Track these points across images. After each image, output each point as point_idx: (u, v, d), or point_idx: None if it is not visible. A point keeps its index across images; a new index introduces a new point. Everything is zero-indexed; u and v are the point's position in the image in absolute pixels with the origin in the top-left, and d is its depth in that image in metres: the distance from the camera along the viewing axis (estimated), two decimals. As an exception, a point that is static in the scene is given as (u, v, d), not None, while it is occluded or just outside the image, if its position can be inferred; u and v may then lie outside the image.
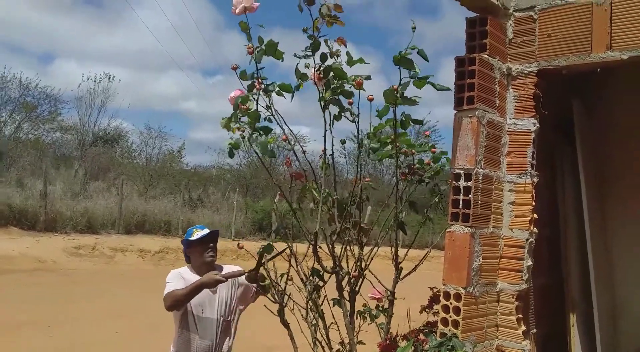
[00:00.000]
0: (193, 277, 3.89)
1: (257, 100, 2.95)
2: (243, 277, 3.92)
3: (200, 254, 3.99)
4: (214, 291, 3.95)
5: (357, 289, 3.25)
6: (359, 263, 3.23)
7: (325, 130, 3.06)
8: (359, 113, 2.93)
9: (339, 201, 3.20)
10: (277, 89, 3.02)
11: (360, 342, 3.30)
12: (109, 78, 29.64)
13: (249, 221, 23.31)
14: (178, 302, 3.78)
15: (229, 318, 4.04)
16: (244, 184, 27.97)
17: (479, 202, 2.58)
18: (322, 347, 3.23)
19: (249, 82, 2.97)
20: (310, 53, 2.92)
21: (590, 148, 3.26)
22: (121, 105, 59.54)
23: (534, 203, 2.70)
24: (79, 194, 20.66)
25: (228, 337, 4.07)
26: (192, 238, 3.98)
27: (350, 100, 3.01)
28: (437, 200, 3.38)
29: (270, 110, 3.02)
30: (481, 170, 2.60)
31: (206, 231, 4.03)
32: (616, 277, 3.40)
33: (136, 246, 17.27)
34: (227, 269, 4.06)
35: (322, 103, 3.04)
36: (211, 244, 4.02)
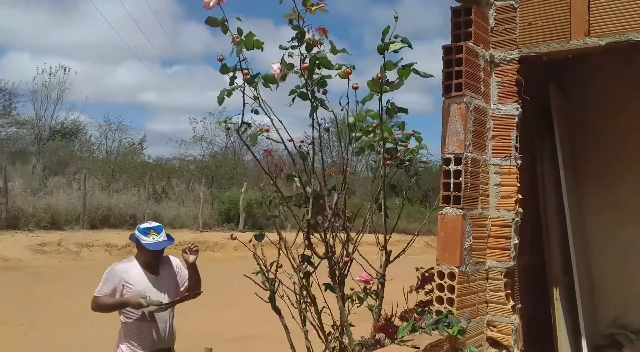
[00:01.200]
0: (136, 270, 3.95)
1: (243, 91, 2.96)
2: (180, 268, 4.16)
3: (148, 256, 3.96)
4: (157, 273, 4.00)
5: (345, 273, 3.34)
6: (347, 248, 3.30)
7: (313, 120, 3.10)
8: (348, 102, 2.98)
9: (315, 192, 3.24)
10: (261, 80, 3.04)
11: (350, 325, 3.39)
12: (65, 70, 28.82)
13: (215, 212, 23.19)
14: (102, 310, 3.96)
15: (175, 298, 4.07)
16: (208, 175, 27.75)
17: (469, 184, 2.70)
18: (316, 330, 3.31)
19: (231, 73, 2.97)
20: (297, 43, 2.95)
21: (567, 132, 3.41)
22: (78, 98, 57.92)
23: (518, 184, 2.83)
24: (39, 190, 20.17)
25: (173, 316, 4.12)
26: (146, 242, 3.89)
27: (325, 90, 3.05)
28: (414, 181, 3.47)
29: (257, 101, 3.05)
30: (470, 154, 2.71)
31: (162, 237, 3.98)
32: (592, 255, 3.58)
33: (102, 241, 16.99)
34: (173, 261, 4.18)
35: (307, 91, 3.06)
36: (158, 255, 4.00)
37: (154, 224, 4.09)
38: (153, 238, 3.92)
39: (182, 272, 4.15)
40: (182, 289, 4.14)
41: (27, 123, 28.21)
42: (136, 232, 3.98)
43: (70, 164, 25.70)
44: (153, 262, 3.98)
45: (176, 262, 4.21)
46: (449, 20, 2.84)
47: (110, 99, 57.73)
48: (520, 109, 2.85)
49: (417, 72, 2.78)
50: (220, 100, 2.80)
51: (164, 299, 3.95)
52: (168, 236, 4.09)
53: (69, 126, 30.03)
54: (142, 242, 3.89)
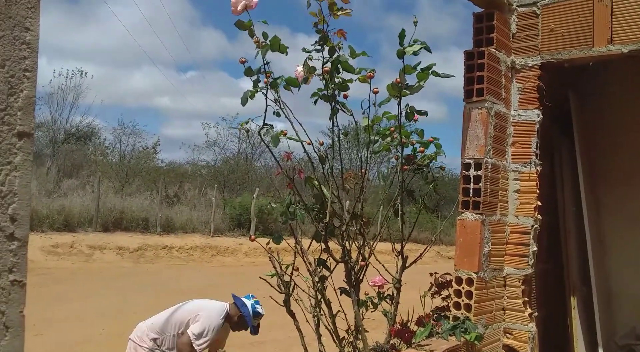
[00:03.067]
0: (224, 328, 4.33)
1: (266, 94, 3.00)
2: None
3: (239, 327, 4.42)
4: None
5: (360, 278, 3.34)
6: (362, 252, 3.31)
7: (333, 123, 3.12)
8: (369, 105, 3.00)
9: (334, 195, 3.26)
10: (285, 83, 3.07)
11: (364, 330, 3.39)
12: (81, 74, 29.09)
13: (227, 217, 23.25)
14: None
15: None
16: (221, 181, 27.85)
17: (488, 190, 2.70)
18: (331, 334, 3.31)
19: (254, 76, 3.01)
20: (319, 47, 2.98)
21: (585, 139, 3.40)
22: (94, 101, 58.54)
23: (538, 191, 2.83)
24: (53, 192, 20.35)
25: None
26: (251, 319, 4.31)
27: (346, 94, 3.07)
28: (432, 187, 3.47)
29: (278, 104, 3.07)
30: (490, 159, 2.71)
31: (257, 327, 4.43)
32: (610, 262, 3.56)
33: (114, 244, 17.10)
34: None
35: (329, 94, 3.09)
36: (243, 329, 4.46)
37: (262, 311, 4.50)
38: (256, 323, 4.38)
39: None
40: None
41: (43, 126, 28.46)
42: (250, 307, 4.36)
43: (84, 166, 25.90)
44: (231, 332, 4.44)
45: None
46: (463, 29, 2.89)
47: (125, 103, 58.19)
48: (541, 116, 2.85)
49: (437, 74, 2.79)
50: (244, 102, 2.83)
51: None
52: (259, 326, 4.52)
53: (84, 129, 30.25)
54: (249, 322, 4.34)
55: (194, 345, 4.11)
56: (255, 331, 4.40)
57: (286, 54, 2.99)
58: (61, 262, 15.16)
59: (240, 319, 4.37)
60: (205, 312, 4.28)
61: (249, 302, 4.33)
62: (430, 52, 2.75)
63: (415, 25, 2.90)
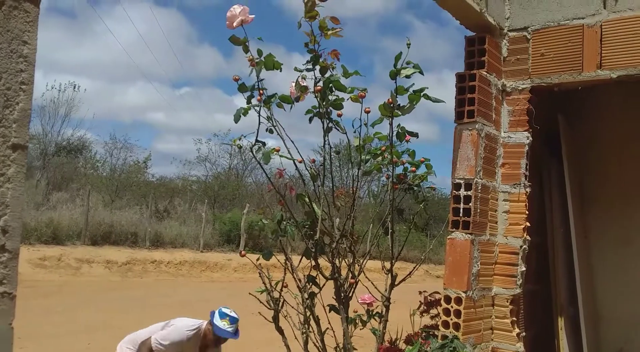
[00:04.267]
0: (192, 343, 4.24)
1: (259, 111, 3.02)
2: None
3: (211, 341, 4.29)
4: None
5: (350, 295, 3.34)
6: (352, 270, 3.31)
7: (325, 141, 3.14)
8: (361, 124, 3.03)
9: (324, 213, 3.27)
10: (278, 100, 3.09)
11: (353, 348, 3.38)
12: (74, 88, 29.09)
13: (216, 232, 23.16)
14: None
15: None
16: (211, 196, 27.78)
17: (478, 210, 2.72)
18: (319, 351, 3.30)
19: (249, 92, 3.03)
20: (311, 66, 3.01)
21: (574, 161, 3.44)
22: (86, 115, 58.38)
23: (527, 212, 2.85)
24: (42, 204, 20.20)
25: None
26: (217, 324, 4.20)
27: (340, 112, 3.10)
28: (422, 206, 3.49)
29: (271, 121, 3.09)
30: (480, 180, 2.73)
31: (233, 330, 4.27)
32: (597, 284, 3.58)
33: (103, 257, 16.97)
34: None
35: (317, 113, 3.12)
36: (222, 343, 4.36)
37: (234, 315, 4.38)
38: (224, 325, 4.24)
39: None
40: None
41: (34, 138, 28.31)
42: (217, 312, 4.30)
43: (74, 180, 25.75)
44: (211, 345, 4.30)
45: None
46: (456, 52, 2.92)
47: (118, 118, 58.12)
48: (531, 138, 2.89)
49: (428, 97, 2.83)
50: (237, 119, 2.85)
51: None
52: (237, 331, 4.36)
53: (75, 143, 30.13)
54: (214, 322, 4.23)
55: (152, 345, 4.13)
56: (234, 334, 4.32)
57: (280, 70, 3.02)
58: (48, 275, 15.01)
59: (209, 323, 4.32)
60: (176, 323, 4.32)
61: (216, 312, 4.31)
62: (422, 74, 2.78)
63: (409, 47, 2.94)
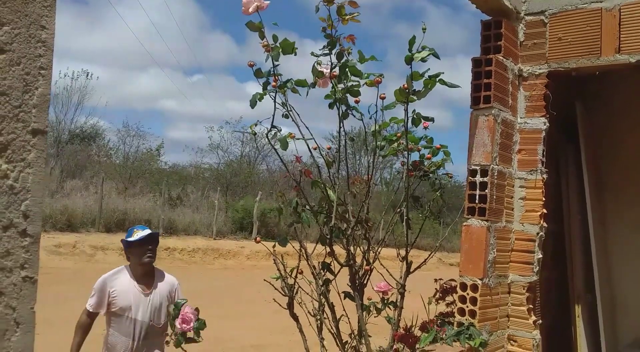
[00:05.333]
0: (126, 280, 3.88)
1: (274, 97, 3.00)
2: (176, 293, 4.01)
3: (138, 255, 3.88)
4: (146, 293, 3.90)
5: (364, 282, 3.34)
6: (367, 257, 3.31)
7: (340, 127, 3.13)
8: (377, 110, 3.01)
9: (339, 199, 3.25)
10: (293, 86, 3.07)
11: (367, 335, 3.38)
12: (87, 75, 29.23)
13: (229, 220, 23.27)
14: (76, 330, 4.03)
15: (161, 323, 3.94)
16: (223, 183, 27.88)
17: (494, 197, 2.70)
18: (334, 338, 3.30)
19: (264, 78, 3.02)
20: (328, 51, 2.99)
21: (591, 147, 3.40)
22: (99, 103, 58.85)
23: (543, 199, 2.83)
24: (57, 192, 20.40)
25: (154, 344, 3.94)
26: (132, 239, 3.88)
27: (357, 98, 3.08)
28: (438, 194, 3.47)
29: (286, 107, 3.08)
30: (496, 166, 2.71)
31: (147, 231, 3.92)
32: (614, 271, 3.55)
33: (117, 244, 17.05)
34: (167, 278, 4.05)
35: (335, 98, 3.10)
36: (150, 247, 3.91)
37: (139, 225, 4.16)
38: (138, 235, 3.87)
39: (179, 297, 3.95)
40: None
41: (47, 126, 28.48)
42: (123, 241, 4.00)
43: (87, 167, 25.95)
44: (145, 264, 3.89)
45: (174, 284, 4.08)
46: (471, 38, 2.88)
47: (131, 106, 58.40)
48: (548, 124, 2.85)
49: (444, 82, 2.79)
50: (253, 104, 2.84)
51: (150, 320, 3.87)
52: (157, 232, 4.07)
53: (88, 130, 30.34)
54: (128, 239, 3.89)
55: (85, 308, 3.96)
56: (139, 240, 3.84)
57: (295, 54, 3.00)
58: (63, 262, 15.18)
59: (128, 250, 3.94)
60: None
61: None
62: (438, 58, 2.75)
63: (424, 32, 2.91)
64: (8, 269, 0.86)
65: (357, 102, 3.08)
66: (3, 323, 0.85)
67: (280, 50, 2.94)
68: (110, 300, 3.84)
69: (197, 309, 2.52)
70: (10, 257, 0.87)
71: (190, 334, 2.68)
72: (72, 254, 15.88)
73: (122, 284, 3.86)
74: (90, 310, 3.92)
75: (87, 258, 16.06)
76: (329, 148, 3.29)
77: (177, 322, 2.48)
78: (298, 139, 3.01)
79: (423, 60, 2.73)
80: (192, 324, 2.52)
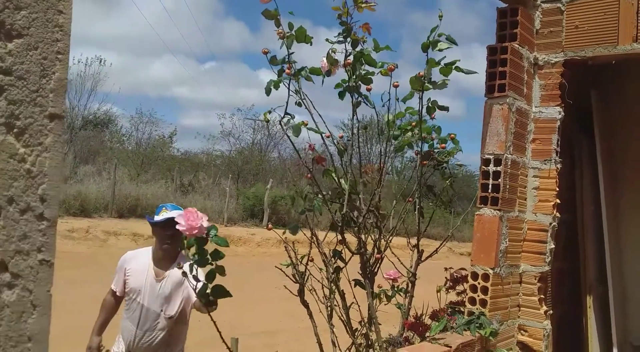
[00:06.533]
0: (144, 261, 3.69)
1: (288, 84, 3.00)
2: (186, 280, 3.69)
3: (159, 238, 3.65)
4: (158, 279, 3.65)
5: (375, 270, 3.34)
6: (378, 245, 3.31)
7: (353, 115, 3.13)
8: (390, 98, 2.99)
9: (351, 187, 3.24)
10: (307, 74, 3.07)
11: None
12: (100, 62, 29.34)
13: (240, 207, 23.37)
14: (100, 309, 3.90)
15: (171, 315, 3.68)
16: (235, 171, 27.97)
17: (507, 186, 2.68)
18: (344, 325, 3.32)
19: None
20: (342, 39, 2.98)
21: (606, 137, 3.37)
22: (112, 89, 59.16)
23: (557, 189, 2.81)
24: (70, 177, 20.58)
25: (165, 337, 3.70)
26: (154, 219, 3.62)
27: (369, 86, 3.07)
28: (449, 183, 3.45)
29: (299, 95, 3.07)
30: (510, 155, 2.69)
31: (174, 213, 3.50)
32: (627, 262, 3.53)
33: (129, 230, 17.24)
34: (185, 266, 3.77)
35: (347, 87, 3.09)
36: (170, 233, 3.55)
37: (171, 204, 3.79)
38: (163, 215, 3.59)
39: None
40: (191, 304, 3.71)
41: (64, 110, 28.65)
42: (148, 218, 3.73)
43: (100, 153, 26.13)
44: (164, 250, 3.65)
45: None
46: (485, 26, 2.85)
47: (143, 92, 58.61)
48: (563, 113, 2.83)
49: (460, 69, 2.77)
50: (268, 91, 2.85)
51: (159, 309, 3.64)
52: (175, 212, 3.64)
53: (101, 117, 30.49)
54: (151, 220, 3.64)
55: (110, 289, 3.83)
56: (161, 223, 3.56)
57: (310, 44, 2.99)
58: (77, 246, 15.33)
59: (152, 231, 3.70)
60: None
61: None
62: (456, 44, 2.72)
63: (440, 19, 2.88)
64: (25, 252, 0.87)
65: (369, 90, 3.07)
66: (20, 305, 0.86)
67: (295, 38, 2.94)
68: (125, 279, 3.70)
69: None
70: (28, 240, 0.88)
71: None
72: (85, 238, 16.04)
73: (139, 264, 3.67)
74: (112, 288, 3.83)
75: (100, 243, 16.22)
76: (341, 136, 3.29)
77: (181, 222, 1.92)
78: (310, 128, 3.01)
79: (440, 50, 2.71)
80: (201, 222, 1.94)
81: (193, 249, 2.14)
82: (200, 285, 2.19)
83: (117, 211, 18.94)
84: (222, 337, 2.63)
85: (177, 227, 1.93)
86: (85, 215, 17.81)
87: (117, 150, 27.15)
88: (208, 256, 2.10)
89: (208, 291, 2.18)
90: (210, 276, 2.13)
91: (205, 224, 1.99)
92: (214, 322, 2.60)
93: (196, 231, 1.97)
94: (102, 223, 17.43)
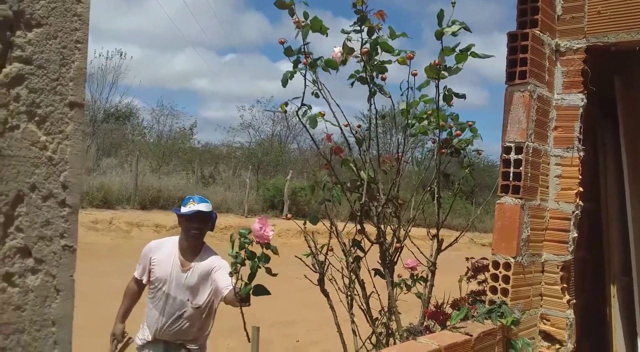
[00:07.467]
0: (170, 250, 3.75)
1: (304, 74, 2.99)
2: (217, 272, 3.69)
3: (184, 229, 3.72)
4: (184, 270, 3.72)
5: (395, 260, 3.34)
6: (397, 234, 3.31)
7: (370, 105, 3.12)
8: (407, 87, 2.98)
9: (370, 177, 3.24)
10: (324, 64, 3.06)
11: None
12: (121, 55, 29.60)
13: (260, 198, 23.50)
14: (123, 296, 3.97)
15: (199, 305, 3.75)
16: (255, 162, 28.10)
17: (529, 174, 2.65)
18: (364, 314, 3.32)
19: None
20: (358, 28, 2.96)
21: (630, 124, 3.31)
22: (132, 82, 59.69)
23: (580, 177, 2.77)
24: (93, 170, 20.86)
25: (189, 326, 3.77)
26: (181, 211, 3.69)
27: (384, 75, 3.05)
28: (468, 172, 3.43)
29: (316, 85, 3.07)
30: (531, 143, 2.66)
31: (201, 206, 3.67)
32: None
33: (152, 221, 17.45)
34: (211, 258, 3.79)
35: (362, 76, 3.08)
36: (196, 224, 3.68)
37: (199, 196, 3.87)
38: (190, 207, 3.67)
39: (224, 278, 3.58)
40: (221, 297, 3.69)
41: (84, 99, 28.96)
42: (175, 209, 3.82)
43: (122, 146, 26.41)
44: (189, 239, 3.72)
45: (215, 265, 3.75)
46: (506, 14, 2.81)
47: (164, 85, 59.05)
48: (585, 100, 2.78)
49: (476, 54, 2.74)
50: (284, 82, 2.85)
51: (185, 298, 3.71)
52: (213, 212, 3.81)
53: (123, 109, 30.79)
54: (178, 211, 3.72)
55: (133, 276, 3.91)
56: (188, 215, 3.66)
57: (326, 36, 2.98)
58: (100, 237, 15.56)
59: (178, 221, 3.76)
60: None
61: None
62: (470, 31, 2.70)
63: (453, 6, 2.85)
64: (48, 238, 0.89)
65: (383, 79, 3.05)
66: (44, 290, 0.88)
67: (310, 27, 2.93)
68: (150, 268, 3.76)
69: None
70: (50, 226, 0.89)
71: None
72: (108, 230, 16.26)
73: (165, 253, 3.74)
74: (135, 275, 3.90)
75: (123, 234, 16.43)
76: (359, 126, 3.28)
77: (255, 229, 2.27)
78: (327, 120, 3.01)
79: (454, 34, 2.69)
80: (270, 233, 2.29)
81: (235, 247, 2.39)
82: (232, 281, 2.42)
83: (140, 203, 19.17)
84: (245, 329, 2.66)
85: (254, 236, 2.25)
86: (108, 207, 18.06)
87: (138, 143, 27.42)
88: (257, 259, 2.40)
89: (250, 289, 2.40)
90: (251, 276, 2.38)
91: (270, 233, 2.32)
92: (242, 313, 2.64)
93: (265, 240, 2.33)
94: (125, 215, 17.66)
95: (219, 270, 3.67)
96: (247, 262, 2.40)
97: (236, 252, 2.33)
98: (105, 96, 29.50)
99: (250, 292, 2.41)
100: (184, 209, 3.68)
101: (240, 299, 2.44)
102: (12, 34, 0.84)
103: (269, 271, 2.36)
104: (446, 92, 3.05)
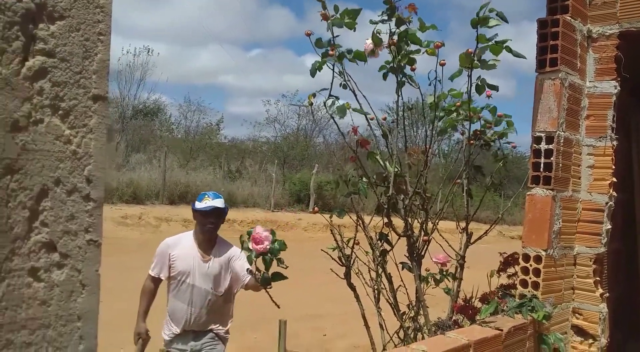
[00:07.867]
0: (187, 244, 3.89)
1: (333, 66, 2.97)
2: (236, 261, 3.88)
3: (200, 222, 3.88)
4: (205, 260, 3.88)
5: (422, 253, 3.30)
6: (425, 227, 3.26)
7: (398, 96, 3.08)
8: (436, 78, 2.93)
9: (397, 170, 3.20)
10: (351, 56, 3.03)
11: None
12: (148, 52, 29.91)
13: (286, 192, 23.56)
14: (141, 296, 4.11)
15: (220, 293, 3.93)
16: (280, 157, 28.16)
17: (560, 165, 2.59)
18: (391, 308, 3.30)
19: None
20: (386, 18, 2.93)
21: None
22: (160, 79, 60.28)
23: (613, 167, 2.70)
24: (123, 166, 21.16)
25: (214, 313, 3.95)
26: (197, 207, 3.86)
27: (414, 66, 3.01)
28: (501, 164, 3.36)
29: (344, 77, 3.04)
30: (562, 133, 2.60)
31: (216, 202, 3.86)
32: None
33: (180, 216, 17.60)
34: (228, 247, 4.00)
35: (391, 67, 3.05)
36: (211, 219, 3.85)
37: (213, 192, 4.04)
38: (206, 203, 3.84)
39: (243, 265, 3.66)
40: (242, 283, 3.90)
41: (112, 102, 29.46)
42: (192, 204, 3.97)
43: (151, 142, 26.73)
44: (205, 232, 3.87)
45: (234, 253, 3.97)
46: (536, 3, 2.73)
47: (191, 81, 59.52)
48: (619, 88, 2.70)
49: (510, 50, 2.67)
50: (313, 73, 2.84)
51: (209, 287, 3.86)
52: (225, 207, 3.97)
53: (151, 106, 31.12)
54: (194, 206, 3.88)
55: (148, 275, 4.03)
56: (207, 207, 3.81)
57: (354, 30, 2.95)
58: (130, 232, 15.77)
59: (194, 216, 3.91)
60: None
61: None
62: (507, 22, 2.64)
63: (489, -1, 2.78)
64: (73, 233, 0.88)
65: (413, 70, 3.01)
66: (69, 285, 0.87)
67: (344, 20, 2.91)
68: (170, 263, 3.88)
69: (272, 231, 2.36)
70: (75, 220, 0.89)
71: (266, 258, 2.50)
72: (138, 225, 16.48)
73: (183, 248, 3.88)
74: (152, 274, 4.00)
75: (153, 229, 16.64)
76: (384, 118, 3.25)
77: (251, 245, 2.30)
78: (355, 109, 2.98)
79: (490, 27, 2.63)
80: (266, 244, 2.32)
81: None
82: (250, 268, 2.52)
83: (168, 198, 19.39)
84: (275, 302, 2.64)
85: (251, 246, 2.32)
86: (137, 202, 18.31)
87: (166, 139, 27.73)
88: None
89: (268, 275, 2.52)
90: (267, 267, 2.47)
91: (269, 244, 2.38)
92: (273, 301, 2.67)
93: (263, 250, 2.37)
94: (154, 210, 17.87)
95: (237, 259, 3.89)
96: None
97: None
98: (133, 93, 29.89)
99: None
100: (200, 205, 3.86)
101: (262, 283, 2.57)
102: (34, 27, 0.83)
103: (280, 261, 2.48)
104: (479, 83, 2.99)
